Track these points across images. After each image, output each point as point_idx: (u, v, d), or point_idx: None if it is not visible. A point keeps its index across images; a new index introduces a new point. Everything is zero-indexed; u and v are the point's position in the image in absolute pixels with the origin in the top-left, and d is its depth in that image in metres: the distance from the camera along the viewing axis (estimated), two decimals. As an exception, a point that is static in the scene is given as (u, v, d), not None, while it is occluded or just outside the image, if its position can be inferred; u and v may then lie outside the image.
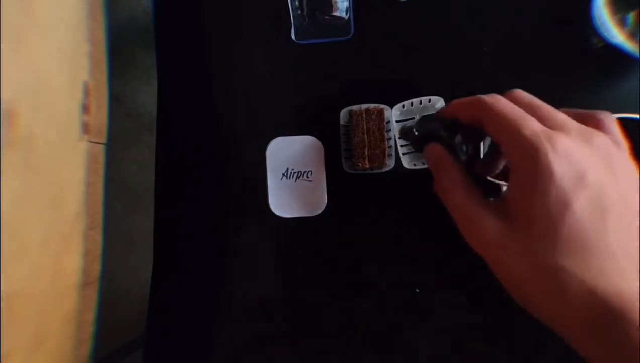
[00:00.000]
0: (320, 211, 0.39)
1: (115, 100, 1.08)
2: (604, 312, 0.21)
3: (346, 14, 0.38)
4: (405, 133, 0.36)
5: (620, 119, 0.36)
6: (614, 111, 0.36)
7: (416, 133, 0.33)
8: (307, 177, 0.39)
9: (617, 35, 0.35)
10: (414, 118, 0.38)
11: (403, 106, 0.38)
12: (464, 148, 0.30)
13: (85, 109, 0.44)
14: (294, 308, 0.40)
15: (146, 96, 1.09)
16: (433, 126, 0.31)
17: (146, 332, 0.41)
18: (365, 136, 0.38)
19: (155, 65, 0.41)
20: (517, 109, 0.26)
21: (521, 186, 0.24)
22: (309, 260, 0.40)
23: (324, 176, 0.39)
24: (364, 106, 0.38)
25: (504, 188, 0.31)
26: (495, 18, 0.39)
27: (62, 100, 0.41)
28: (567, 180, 0.23)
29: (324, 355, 0.39)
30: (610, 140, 0.25)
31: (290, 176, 0.39)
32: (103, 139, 0.47)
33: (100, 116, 0.47)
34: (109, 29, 0.49)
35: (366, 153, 0.37)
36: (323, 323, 0.40)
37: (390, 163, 0.38)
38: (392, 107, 0.38)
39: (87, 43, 0.45)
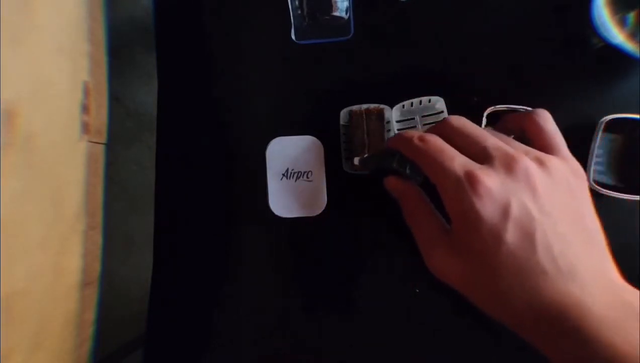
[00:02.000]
0: (320, 211, 0.39)
1: (115, 100, 1.08)
2: (542, 320, 0.24)
3: (346, 14, 0.38)
4: (363, 165, 0.37)
5: (620, 119, 0.36)
6: (614, 111, 0.36)
7: (369, 169, 0.37)
8: (307, 177, 0.39)
9: (617, 35, 0.35)
10: (414, 118, 0.38)
11: (403, 106, 0.38)
12: (417, 176, 0.32)
13: (85, 109, 0.44)
14: (293, 307, 0.40)
15: (146, 96, 1.09)
16: (384, 162, 0.33)
17: (146, 332, 0.41)
18: (366, 136, 0.38)
19: (155, 65, 0.41)
20: (442, 147, 0.28)
21: (456, 223, 0.27)
22: (309, 259, 0.40)
23: (324, 176, 0.39)
24: (364, 106, 0.38)
25: None
26: (495, 18, 0.39)
27: (62, 100, 0.41)
28: (494, 218, 0.25)
29: (324, 353, 0.39)
30: (534, 160, 0.27)
31: (290, 176, 0.39)
32: (103, 139, 0.47)
33: (100, 116, 0.47)
34: (109, 29, 0.49)
35: (366, 153, 0.37)
36: (323, 322, 0.40)
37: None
38: (392, 107, 0.38)
39: (87, 43, 0.45)
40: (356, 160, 0.37)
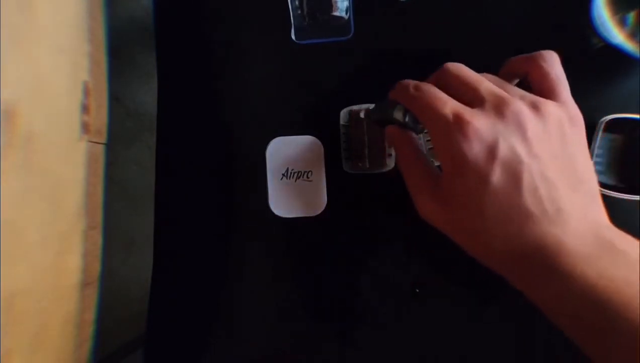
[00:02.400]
0: (320, 211, 0.39)
1: (115, 100, 1.08)
2: (522, 259, 0.25)
3: (346, 14, 0.38)
4: (368, 118, 0.37)
5: (620, 119, 0.36)
6: (614, 111, 0.36)
7: (371, 119, 0.36)
8: (307, 177, 0.39)
9: (617, 35, 0.35)
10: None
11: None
12: (415, 126, 0.32)
13: (85, 109, 0.44)
14: (293, 307, 0.40)
15: (146, 96, 1.09)
16: (386, 113, 0.33)
17: (146, 332, 0.41)
18: (365, 136, 0.38)
19: (155, 65, 0.41)
20: (435, 94, 0.28)
21: (445, 168, 0.27)
22: (309, 260, 0.40)
23: (324, 176, 0.39)
24: (364, 106, 0.38)
25: None
26: (495, 18, 0.39)
27: (62, 100, 0.41)
28: (480, 158, 0.25)
29: (324, 353, 0.39)
30: (527, 104, 0.27)
31: (290, 176, 0.39)
32: (103, 139, 0.47)
33: (100, 116, 0.47)
34: (109, 29, 0.49)
35: (366, 152, 0.37)
36: (323, 322, 0.40)
37: (390, 163, 0.38)
38: (392, 107, 0.38)
39: (87, 43, 0.45)
40: (362, 113, 0.37)
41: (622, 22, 0.35)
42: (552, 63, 0.29)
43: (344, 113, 0.38)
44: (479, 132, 0.26)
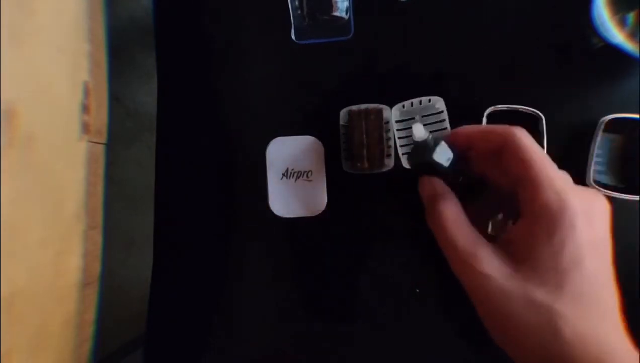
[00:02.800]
0: (320, 211, 0.39)
1: (115, 100, 1.08)
2: (589, 358, 0.22)
3: (346, 14, 0.38)
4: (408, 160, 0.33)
5: (620, 119, 0.36)
6: (614, 111, 0.36)
7: (410, 164, 0.31)
8: (307, 177, 0.39)
9: (617, 35, 0.35)
10: (414, 118, 0.38)
11: (403, 106, 0.38)
12: (458, 173, 0.28)
13: (85, 109, 0.44)
14: (293, 307, 0.40)
15: (146, 96, 1.09)
16: (423, 154, 0.28)
17: (146, 332, 0.41)
18: (364, 136, 0.38)
19: (155, 65, 0.41)
20: (544, 152, 0.25)
21: (535, 232, 0.24)
22: (309, 260, 0.40)
23: (324, 176, 0.39)
24: (363, 106, 0.38)
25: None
26: (495, 18, 0.39)
27: (62, 100, 0.41)
28: (585, 239, 0.23)
29: (324, 353, 0.39)
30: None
31: (290, 176, 0.39)
32: (103, 139, 0.47)
33: (100, 116, 0.47)
34: (109, 29, 0.49)
35: (365, 153, 0.37)
36: (323, 322, 0.40)
37: (390, 163, 0.38)
38: (392, 107, 0.38)
39: (87, 43, 0.45)
40: (403, 160, 0.35)
41: (622, 22, 0.35)
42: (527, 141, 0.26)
43: (343, 113, 0.38)
44: (589, 213, 0.24)
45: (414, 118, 0.38)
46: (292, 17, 0.39)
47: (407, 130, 0.38)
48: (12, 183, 0.33)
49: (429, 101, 0.38)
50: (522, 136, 0.26)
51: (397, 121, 0.38)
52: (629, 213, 0.36)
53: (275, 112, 0.40)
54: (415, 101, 0.38)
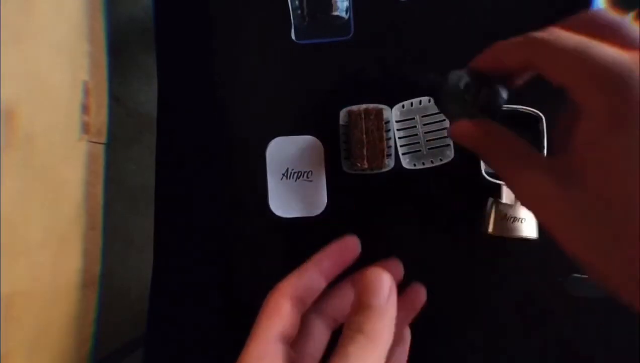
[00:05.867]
0: (320, 211, 0.39)
1: (115, 100, 1.08)
2: None
3: (346, 14, 0.38)
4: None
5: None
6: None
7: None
8: (307, 177, 0.39)
9: (617, 35, 0.35)
10: (414, 118, 0.38)
11: (403, 106, 0.38)
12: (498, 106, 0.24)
13: (85, 109, 0.44)
14: (294, 308, 0.40)
15: (146, 96, 1.09)
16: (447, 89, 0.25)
17: (146, 332, 0.41)
18: (364, 136, 0.38)
19: (155, 65, 0.41)
20: (583, 38, 0.20)
21: (595, 132, 0.18)
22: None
23: (324, 176, 0.39)
24: (363, 106, 0.38)
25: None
26: (495, 18, 0.39)
27: (62, 100, 0.41)
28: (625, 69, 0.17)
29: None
30: None
31: (290, 176, 0.39)
32: (103, 139, 0.47)
33: (100, 116, 0.47)
34: (109, 29, 0.49)
35: (365, 153, 0.37)
36: (323, 323, 0.40)
37: (390, 163, 0.38)
38: (392, 107, 0.38)
39: (87, 43, 0.45)
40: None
41: (622, 22, 0.35)
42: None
43: (343, 113, 0.38)
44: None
45: (414, 118, 0.38)
46: (292, 17, 0.39)
47: (407, 130, 0.38)
48: (12, 183, 0.33)
49: (429, 101, 0.38)
50: (551, 37, 0.21)
51: (397, 121, 0.38)
52: None
53: (275, 112, 0.40)
54: (415, 101, 0.38)
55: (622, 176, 0.17)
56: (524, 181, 0.20)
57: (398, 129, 0.38)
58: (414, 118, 0.38)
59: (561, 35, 0.21)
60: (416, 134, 0.38)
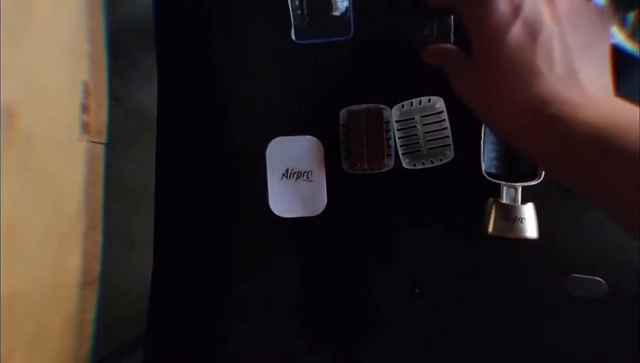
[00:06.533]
0: (320, 211, 0.39)
1: (115, 100, 1.08)
2: (538, 115, 0.26)
3: (346, 14, 0.38)
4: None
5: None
6: (614, 111, 0.36)
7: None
8: (307, 177, 0.39)
9: (617, 35, 0.35)
10: (414, 118, 0.38)
11: (403, 106, 0.38)
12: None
13: (85, 109, 0.44)
14: (293, 307, 0.40)
15: (146, 96, 1.09)
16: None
17: (146, 332, 0.41)
18: (364, 136, 0.38)
19: (155, 65, 0.41)
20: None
21: (474, 29, 0.29)
22: (309, 259, 0.40)
23: (324, 176, 0.39)
24: (363, 106, 0.38)
25: None
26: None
27: (62, 100, 0.41)
28: (505, 13, 0.27)
29: (324, 353, 0.39)
30: None
31: (290, 176, 0.39)
32: (103, 139, 0.47)
33: (100, 116, 0.47)
34: (109, 29, 0.49)
35: (365, 152, 0.37)
36: (323, 322, 0.40)
37: (390, 163, 0.38)
38: (391, 107, 0.38)
39: (87, 43, 0.45)
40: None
41: (622, 22, 0.35)
42: None
43: (343, 113, 0.38)
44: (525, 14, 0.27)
45: (414, 118, 0.38)
46: (292, 17, 0.39)
47: (407, 130, 0.38)
48: (13, 182, 0.33)
49: (429, 101, 0.38)
50: None
51: (397, 121, 0.38)
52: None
53: (275, 112, 0.40)
54: (415, 100, 0.38)
55: (485, 57, 0.29)
56: (456, 79, 0.31)
57: (398, 129, 0.38)
58: (413, 118, 0.38)
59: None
60: (416, 134, 0.38)
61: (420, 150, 0.38)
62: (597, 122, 0.24)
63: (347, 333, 0.39)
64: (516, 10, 0.27)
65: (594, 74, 0.27)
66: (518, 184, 0.36)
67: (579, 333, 0.37)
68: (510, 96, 0.27)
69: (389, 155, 0.38)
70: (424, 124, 0.38)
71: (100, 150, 0.47)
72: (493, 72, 0.28)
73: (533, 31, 0.27)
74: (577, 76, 0.26)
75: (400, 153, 0.38)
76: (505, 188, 0.36)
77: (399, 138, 0.38)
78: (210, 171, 0.40)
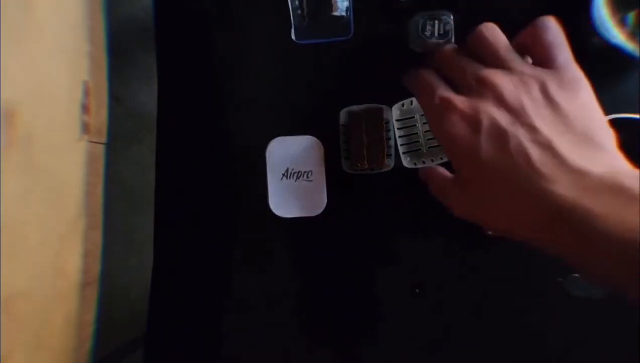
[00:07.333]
0: (320, 211, 0.39)
1: (115, 100, 1.08)
2: (545, 225, 0.25)
3: (346, 14, 0.38)
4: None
5: (620, 119, 0.36)
6: (614, 111, 0.36)
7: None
8: (307, 177, 0.39)
9: (617, 35, 0.35)
10: (413, 117, 0.38)
11: (403, 105, 0.38)
12: None
13: (85, 109, 0.44)
14: (293, 307, 0.40)
15: (146, 96, 1.09)
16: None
17: (146, 332, 0.41)
18: (364, 135, 0.38)
19: (155, 65, 0.41)
20: (428, 80, 0.30)
21: (448, 155, 0.29)
22: (309, 259, 0.40)
23: (324, 176, 0.39)
24: (363, 106, 0.38)
25: None
26: (495, 18, 0.38)
27: (62, 100, 0.41)
28: (467, 135, 0.27)
29: (324, 353, 0.39)
30: (509, 75, 0.28)
31: (290, 176, 0.39)
32: (103, 139, 0.47)
33: (100, 116, 0.47)
34: (109, 29, 0.49)
35: (365, 152, 0.37)
36: (323, 322, 0.40)
37: (390, 163, 0.38)
38: (391, 107, 0.38)
39: (87, 43, 0.45)
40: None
41: (622, 22, 0.35)
42: (545, 28, 0.29)
43: (343, 113, 0.38)
44: (462, 111, 0.27)
45: (413, 117, 0.38)
46: (292, 17, 0.39)
47: (407, 129, 0.38)
48: (13, 183, 0.33)
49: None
50: (414, 76, 0.32)
51: (397, 120, 0.38)
52: None
53: (275, 112, 0.40)
54: (415, 99, 0.38)
55: (464, 174, 0.29)
56: (453, 201, 0.30)
57: (398, 128, 0.38)
58: (413, 117, 0.38)
59: (421, 76, 0.32)
60: (416, 133, 0.38)
61: (420, 149, 0.38)
62: (616, 230, 0.22)
63: (347, 333, 0.39)
64: (475, 127, 0.27)
65: (588, 158, 0.25)
66: None
67: (579, 333, 0.37)
68: (510, 211, 0.26)
69: (389, 155, 0.38)
70: (424, 123, 0.38)
71: (100, 150, 0.47)
72: (485, 191, 0.27)
73: (500, 141, 0.26)
74: (568, 163, 0.24)
75: (400, 151, 0.38)
76: None
77: (399, 136, 0.38)
78: (210, 171, 0.40)
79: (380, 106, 0.38)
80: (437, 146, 0.38)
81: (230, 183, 0.40)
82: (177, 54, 0.41)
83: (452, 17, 0.37)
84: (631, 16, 0.35)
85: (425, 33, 0.36)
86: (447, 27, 0.36)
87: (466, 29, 0.32)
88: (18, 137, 0.34)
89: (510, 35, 0.38)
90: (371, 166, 0.38)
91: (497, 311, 0.38)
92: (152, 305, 0.41)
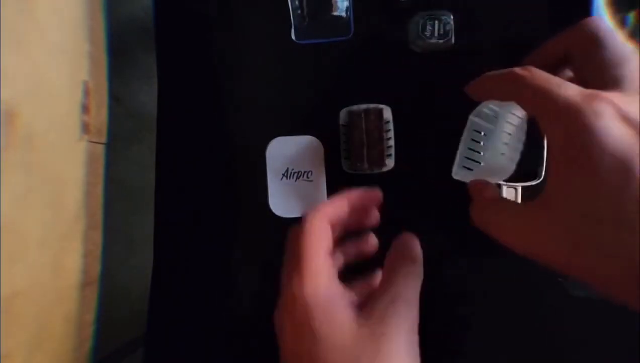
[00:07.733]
0: (320, 211, 0.39)
1: (115, 100, 1.08)
2: None
3: (346, 14, 0.38)
4: None
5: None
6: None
7: None
8: (307, 177, 0.39)
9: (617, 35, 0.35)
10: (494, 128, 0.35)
11: (482, 112, 0.37)
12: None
13: (85, 109, 0.44)
14: (294, 308, 0.40)
15: (146, 96, 1.09)
16: None
17: (146, 332, 0.41)
18: (364, 136, 0.37)
19: (155, 65, 0.41)
20: (553, 77, 0.22)
21: (559, 163, 0.21)
22: (309, 260, 0.40)
23: (324, 176, 0.39)
24: (363, 106, 0.38)
25: None
26: (495, 18, 0.38)
27: (62, 100, 0.41)
28: (626, 141, 0.18)
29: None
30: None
31: (290, 176, 0.39)
32: (103, 139, 0.47)
33: (100, 116, 0.47)
34: (109, 29, 0.49)
35: (365, 153, 0.37)
36: (323, 323, 0.40)
37: (390, 163, 0.38)
38: (392, 107, 0.38)
39: (87, 43, 0.45)
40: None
41: (622, 22, 0.35)
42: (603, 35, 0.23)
43: (343, 113, 0.38)
44: (623, 109, 0.19)
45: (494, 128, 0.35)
46: (292, 17, 0.39)
47: (473, 143, 0.35)
48: (12, 183, 0.33)
49: (429, 101, 0.38)
50: (527, 75, 0.23)
51: (474, 131, 0.37)
52: None
53: (275, 112, 0.40)
54: (497, 106, 0.36)
55: (586, 200, 0.19)
56: (498, 216, 0.26)
57: (472, 140, 0.35)
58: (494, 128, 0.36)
59: (536, 74, 0.23)
60: (480, 145, 0.36)
61: (479, 162, 0.37)
62: None
63: (347, 333, 0.39)
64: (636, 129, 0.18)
65: None
66: (518, 184, 0.36)
67: (579, 333, 0.37)
68: (612, 250, 0.18)
69: (389, 155, 0.38)
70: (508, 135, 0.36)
71: (100, 150, 0.47)
72: (582, 214, 0.19)
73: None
74: None
75: (460, 163, 0.37)
76: (505, 188, 0.36)
77: (468, 148, 0.36)
78: (210, 171, 0.40)
79: (380, 106, 0.38)
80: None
81: (230, 183, 0.40)
82: (177, 54, 0.41)
83: (452, 17, 0.37)
84: (631, 16, 0.35)
85: (425, 33, 0.36)
86: (447, 27, 0.36)
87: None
88: (18, 137, 0.33)
89: (510, 35, 0.38)
90: (371, 166, 0.38)
91: (497, 311, 0.38)
92: (152, 305, 0.41)
